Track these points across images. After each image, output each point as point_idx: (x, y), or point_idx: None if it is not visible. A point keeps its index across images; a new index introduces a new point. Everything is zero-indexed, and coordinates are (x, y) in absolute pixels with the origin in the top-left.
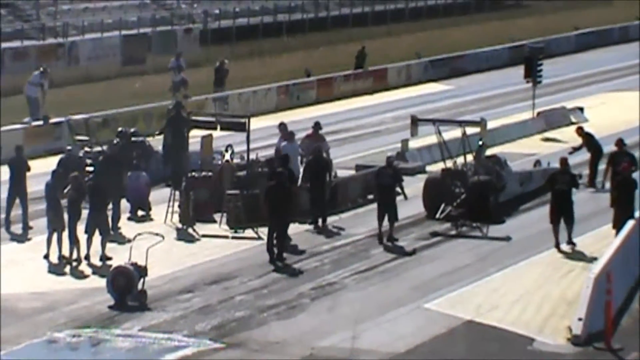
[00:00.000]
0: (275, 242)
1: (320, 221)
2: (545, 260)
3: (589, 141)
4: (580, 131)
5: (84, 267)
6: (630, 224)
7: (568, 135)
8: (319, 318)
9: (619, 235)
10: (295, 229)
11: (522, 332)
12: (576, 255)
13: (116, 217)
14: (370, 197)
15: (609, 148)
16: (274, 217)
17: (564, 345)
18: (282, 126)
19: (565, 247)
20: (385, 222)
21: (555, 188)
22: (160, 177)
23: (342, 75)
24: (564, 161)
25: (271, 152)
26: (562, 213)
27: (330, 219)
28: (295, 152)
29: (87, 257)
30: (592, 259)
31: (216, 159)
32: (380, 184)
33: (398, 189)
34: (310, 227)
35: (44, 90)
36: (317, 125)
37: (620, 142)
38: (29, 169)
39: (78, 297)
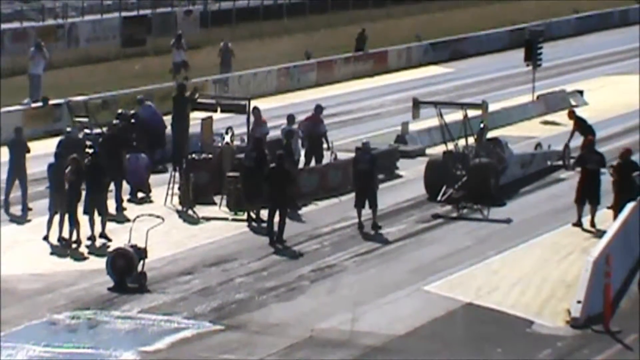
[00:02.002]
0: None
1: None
2: (544, 242)
3: (581, 125)
4: (571, 115)
5: (83, 248)
6: (629, 206)
7: (567, 119)
8: (319, 300)
9: (618, 218)
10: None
11: (521, 315)
12: (575, 238)
13: (119, 199)
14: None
15: (609, 131)
16: (274, 199)
17: (562, 327)
18: (256, 111)
19: (588, 227)
20: (368, 211)
21: (586, 168)
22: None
23: (342, 57)
24: (590, 141)
25: (274, 133)
26: (590, 192)
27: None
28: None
29: (91, 238)
30: (592, 242)
31: (216, 141)
32: (358, 169)
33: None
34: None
35: (44, 56)
36: (318, 108)
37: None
38: (28, 151)
39: (77, 278)
